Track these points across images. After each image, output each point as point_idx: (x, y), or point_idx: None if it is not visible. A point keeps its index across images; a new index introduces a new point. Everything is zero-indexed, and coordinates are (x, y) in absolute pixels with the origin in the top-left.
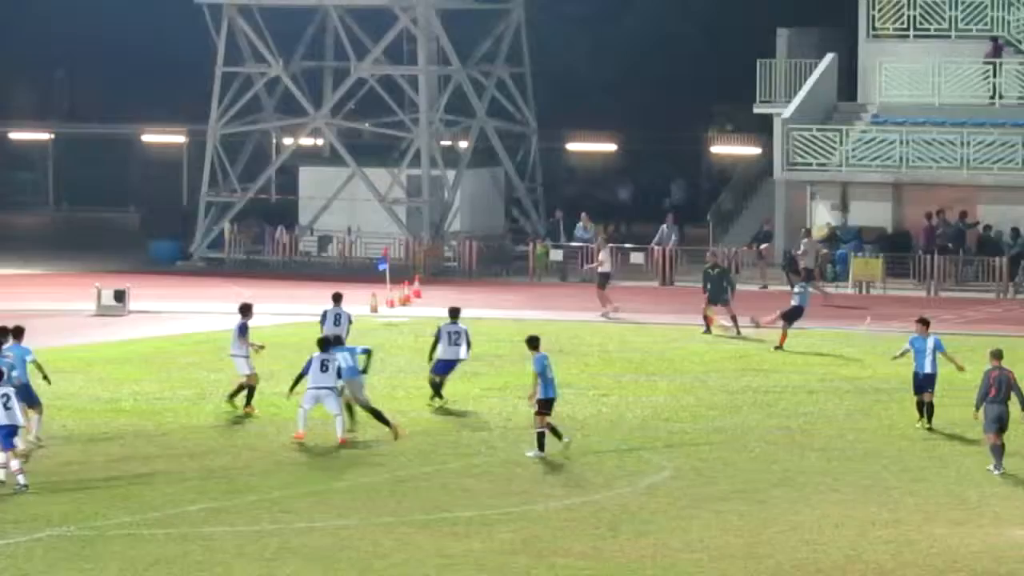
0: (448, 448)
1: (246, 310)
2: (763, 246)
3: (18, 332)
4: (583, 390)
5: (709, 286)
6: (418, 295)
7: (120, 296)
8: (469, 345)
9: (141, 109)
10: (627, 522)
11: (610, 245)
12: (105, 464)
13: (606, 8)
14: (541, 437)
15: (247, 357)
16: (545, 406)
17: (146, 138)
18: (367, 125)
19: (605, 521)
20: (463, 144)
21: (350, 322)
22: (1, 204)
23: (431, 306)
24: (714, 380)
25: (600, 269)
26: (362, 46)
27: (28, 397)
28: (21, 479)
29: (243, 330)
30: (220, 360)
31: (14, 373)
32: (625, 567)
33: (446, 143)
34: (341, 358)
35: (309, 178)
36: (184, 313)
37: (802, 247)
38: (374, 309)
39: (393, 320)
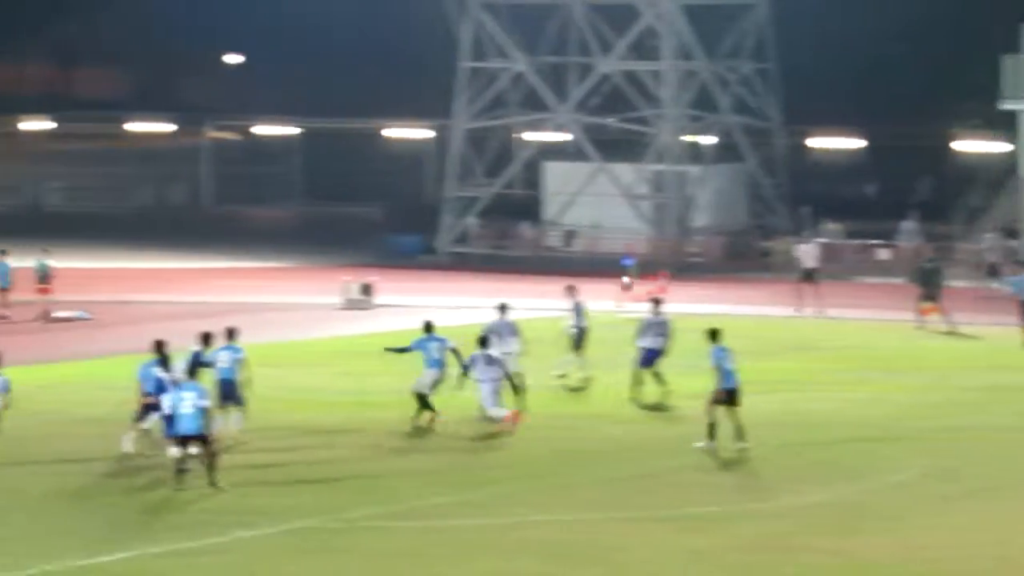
0: (692, 443)
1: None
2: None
3: (231, 333)
4: (826, 387)
5: (923, 281)
6: (663, 291)
7: (366, 290)
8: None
9: (386, 104)
10: (871, 519)
11: (819, 240)
12: (352, 457)
13: (851, 3)
14: (712, 427)
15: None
16: (725, 396)
17: (391, 133)
18: (611, 120)
19: (849, 518)
20: (707, 140)
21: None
22: (249, 198)
23: (675, 302)
24: (959, 377)
25: (804, 265)
26: (606, 41)
27: (232, 395)
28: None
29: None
30: (466, 353)
31: (221, 368)
32: (870, 565)
33: (690, 138)
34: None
35: (554, 173)
36: (429, 307)
37: (987, 242)
38: (619, 304)
39: (637, 315)
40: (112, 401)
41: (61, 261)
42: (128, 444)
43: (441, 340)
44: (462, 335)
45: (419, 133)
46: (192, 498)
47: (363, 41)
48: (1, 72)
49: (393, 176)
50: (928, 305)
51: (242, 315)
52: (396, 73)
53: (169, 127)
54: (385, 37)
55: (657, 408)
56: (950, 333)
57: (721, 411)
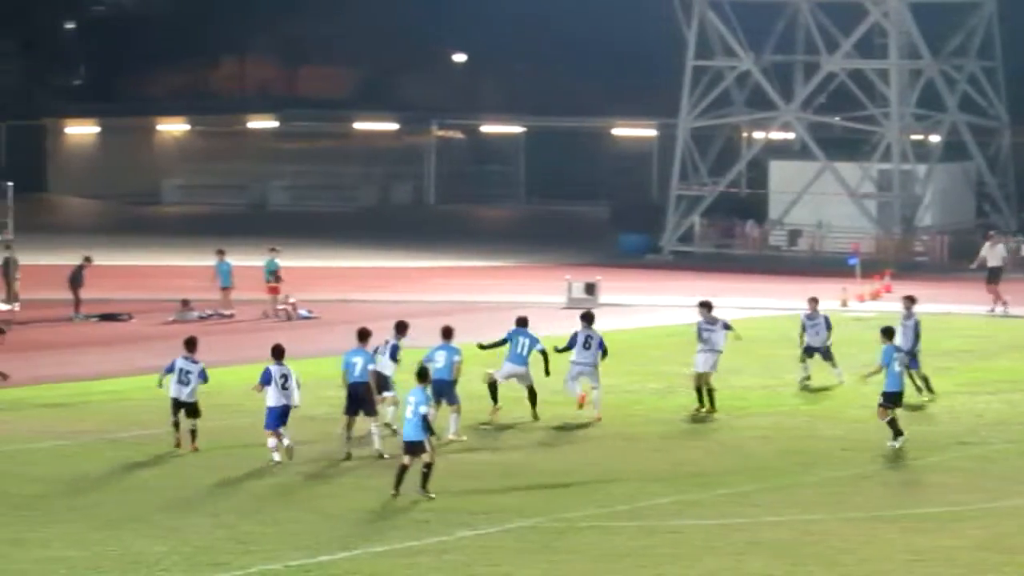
0: (917, 443)
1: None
2: None
3: (447, 333)
4: None
5: None
6: (888, 290)
7: (590, 289)
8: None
9: (611, 103)
10: None
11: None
12: (575, 457)
13: None
14: (892, 424)
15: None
16: (889, 399)
17: (616, 132)
18: (837, 119)
19: None
20: (934, 138)
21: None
22: (473, 197)
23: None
24: None
25: (989, 264)
26: (832, 40)
27: (449, 395)
28: (276, 456)
29: None
30: (688, 354)
31: (437, 368)
32: None
33: (916, 137)
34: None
35: (779, 172)
36: (653, 306)
37: None
38: (844, 303)
39: (862, 315)
40: (331, 401)
41: (286, 260)
42: (376, 442)
43: (532, 339)
44: (679, 334)
45: (644, 132)
46: (414, 498)
47: (588, 40)
48: (228, 71)
49: (618, 175)
50: None
51: (464, 314)
52: (621, 72)
53: (394, 126)
54: (611, 36)
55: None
56: None
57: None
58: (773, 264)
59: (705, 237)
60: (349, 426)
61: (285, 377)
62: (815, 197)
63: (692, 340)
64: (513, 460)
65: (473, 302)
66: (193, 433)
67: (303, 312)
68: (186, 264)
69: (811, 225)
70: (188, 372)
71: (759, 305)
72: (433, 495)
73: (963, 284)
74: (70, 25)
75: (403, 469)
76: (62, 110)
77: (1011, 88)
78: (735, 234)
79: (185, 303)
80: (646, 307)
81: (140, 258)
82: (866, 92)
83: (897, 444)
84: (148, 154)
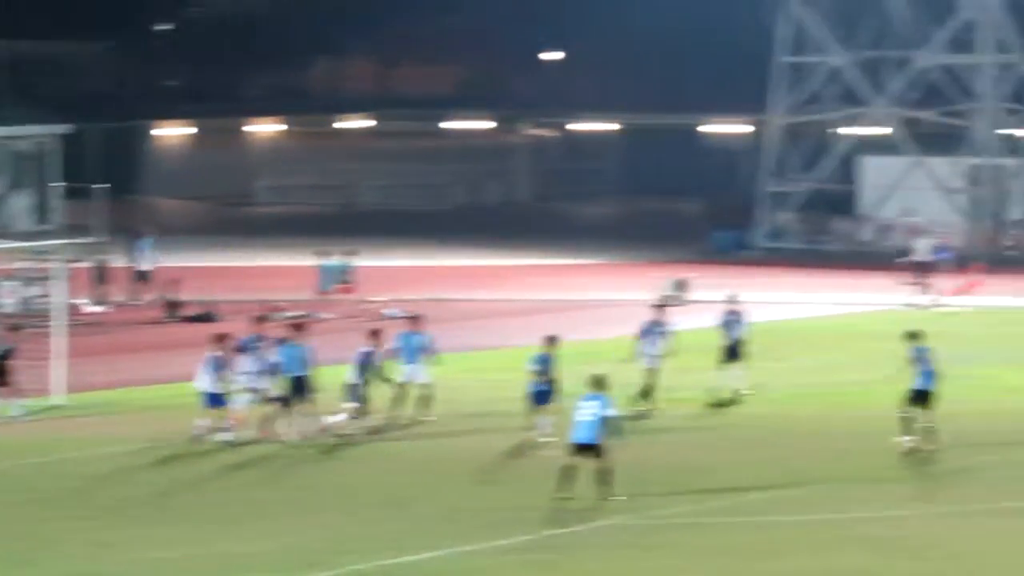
0: (1008, 437)
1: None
2: None
3: (551, 340)
4: None
5: None
6: (980, 284)
7: (680, 286)
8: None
9: (704, 99)
10: None
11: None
12: (666, 453)
13: None
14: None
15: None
16: (915, 396)
17: (709, 128)
18: (929, 114)
19: None
20: None
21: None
22: (567, 195)
23: (992, 295)
24: None
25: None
26: (925, 34)
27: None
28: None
29: None
30: (782, 349)
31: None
32: None
33: (1007, 132)
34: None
35: (870, 167)
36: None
37: None
38: (936, 298)
39: (954, 309)
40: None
41: (378, 260)
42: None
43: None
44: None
45: (736, 128)
46: (500, 496)
47: (681, 36)
48: (322, 71)
49: (710, 171)
50: None
51: (556, 312)
52: (714, 68)
53: (487, 125)
54: (703, 32)
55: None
56: None
57: (916, 410)
58: (865, 260)
59: (796, 233)
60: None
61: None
62: (908, 192)
63: (784, 338)
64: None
65: (567, 300)
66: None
67: (393, 311)
68: (280, 264)
69: (903, 220)
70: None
71: (852, 301)
72: (622, 497)
73: None
74: (165, 27)
75: (571, 470)
76: (156, 112)
77: None
78: (827, 230)
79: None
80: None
81: (234, 259)
82: (958, 87)
83: (907, 442)
84: (241, 155)
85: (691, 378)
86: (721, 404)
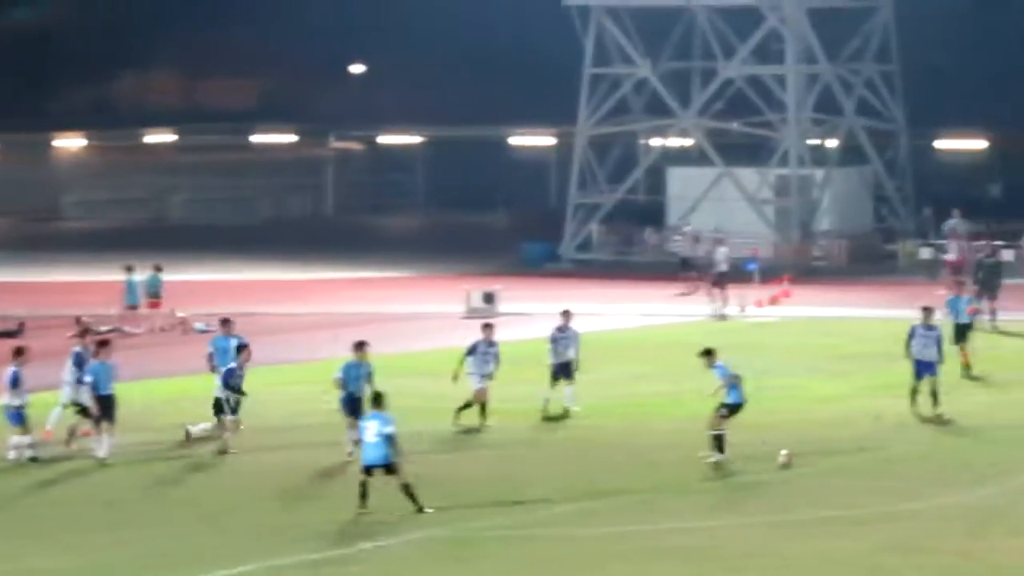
0: (817, 447)
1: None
2: None
3: (360, 346)
4: (952, 388)
5: (981, 276)
6: (787, 295)
7: (489, 298)
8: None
9: (511, 111)
10: (998, 522)
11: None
12: (477, 466)
13: (976, 4)
14: (719, 439)
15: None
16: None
17: (514, 140)
18: (735, 125)
19: (976, 521)
20: (831, 143)
21: None
22: (373, 207)
23: (800, 305)
24: None
25: (717, 268)
26: (730, 46)
27: (359, 411)
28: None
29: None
30: (589, 361)
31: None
32: (995, 568)
33: (814, 142)
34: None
35: (677, 178)
36: (553, 315)
37: None
38: (743, 309)
39: (762, 320)
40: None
41: (184, 274)
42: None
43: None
44: (581, 343)
45: (543, 140)
46: (316, 509)
47: (487, 49)
48: (128, 85)
49: (518, 184)
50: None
51: (364, 325)
52: (520, 81)
53: (292, 138)
54: (509, 46)
55: (783, 414)
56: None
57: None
58: (672, 270)
59: (604, 244)
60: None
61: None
62: (714, 203)
63: (592, 350)
64: (415, 471)
65: (374, 313)
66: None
67: (200, 325)
68: (87, 280)
69: (710, 231)
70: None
71: (660, 312)
72: (430, 509)
73: (862, 288)
74: None
75: (365, 487)
76: None
77: (908, 92)
78: (634, 241)
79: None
80: (546, 315)
81: (40, 275)
82: (764, 98)
83: (714, 459)
84: (47, 170)
85: (518, 391)
86: (551, 419)
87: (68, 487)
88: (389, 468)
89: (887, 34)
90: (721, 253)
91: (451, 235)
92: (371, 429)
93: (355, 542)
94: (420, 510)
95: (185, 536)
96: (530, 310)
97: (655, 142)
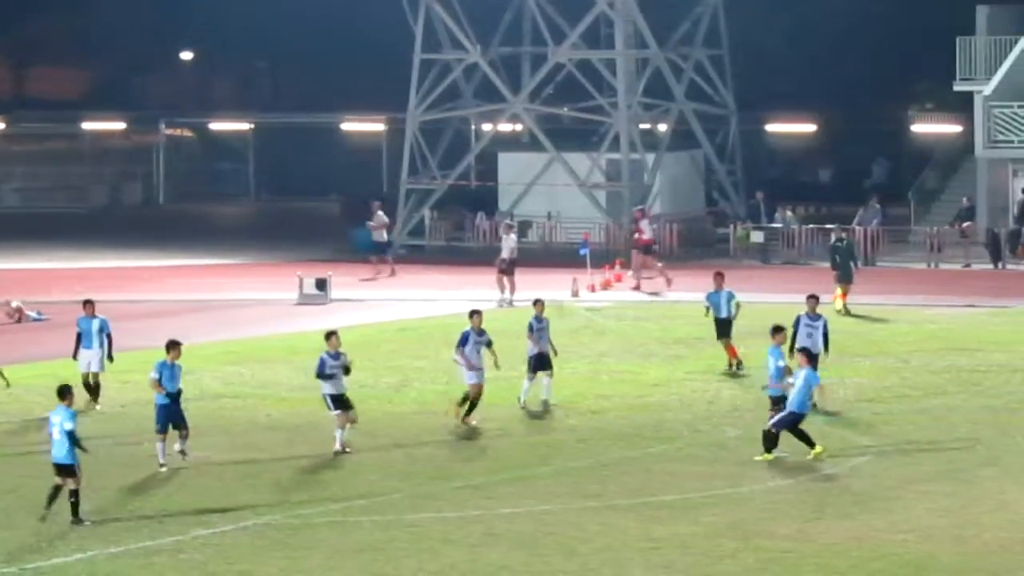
0: (651, 432)
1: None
2: (965, 224)
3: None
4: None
5: (838, 260)
6: (619, 279)
7: (322, 285)
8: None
9: (341, 98)
10: (832, 504)
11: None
12: (309, 452)
13: None
14: None
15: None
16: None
17: (346, 127)
18: (566, 110)
19: (810, 503)
20: (662, 127)
21: None
22: (204, 194)
23: (633, 290)
24: (917, 360)
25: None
26: (559, 31)
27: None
28: None
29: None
30: (423, 347)
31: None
32: (830, 549)
33: (645, 127)
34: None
35: (508, 164)
36: (386, 301)
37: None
38: (575, 294)
39: (595, 305)
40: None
41: (17, 263)
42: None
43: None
44: (412, 329)
45: (374, 126)
46: (148, 497)
47: (317, 35)
48: None
49: (349, 170)
50: (844, 288)
51: (198, 313)
52: (352, 67)
53: (121, 125)
54: (341, 31)
55: (619, 398)
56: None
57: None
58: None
59: (436, 231)
60: None
61: None
62: (546, 188)
63: (424, 335)
64: (248, 458)
65: (205, 301)
66: None
67: (33, 314)
68: None
69: (542, 216)
70: None
71: (492, 298)
72: (88, 523)
73: (692, 272)
74: None
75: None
76: None
77: (737, 76)
78: (465, 227)
79: None
80: (378, 302)
81: None
82: (594, 82)
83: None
84: None
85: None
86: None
87: None
88: (70, 469)
89: (716, 18)
90: (511, 241)
91: (283, 222)
92: (55, 426)
93: (189, 529)
94: (79, 522)
95: (19, 526)
96: (362, 296)
97: (486, 128)
